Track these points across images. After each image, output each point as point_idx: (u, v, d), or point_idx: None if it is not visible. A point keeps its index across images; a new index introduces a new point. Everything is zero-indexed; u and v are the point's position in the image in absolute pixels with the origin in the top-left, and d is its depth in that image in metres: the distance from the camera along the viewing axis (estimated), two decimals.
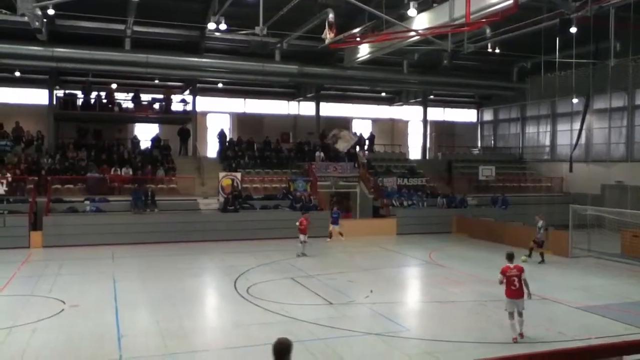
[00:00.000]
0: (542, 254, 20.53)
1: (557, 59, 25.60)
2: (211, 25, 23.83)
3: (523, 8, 19.75)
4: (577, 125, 32.98)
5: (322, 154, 32.52)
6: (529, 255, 20.78)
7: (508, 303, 11.30)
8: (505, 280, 11.32)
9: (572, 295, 15.16)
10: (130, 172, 27.92)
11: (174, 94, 33.38)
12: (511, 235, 24.71)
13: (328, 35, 19.56)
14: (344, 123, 38.60)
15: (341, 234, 25.23)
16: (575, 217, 22.15)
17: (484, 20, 20.28)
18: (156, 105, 32.35)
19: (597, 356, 5.86)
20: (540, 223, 20.84)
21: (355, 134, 34.93)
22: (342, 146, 31.67)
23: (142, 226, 24.46)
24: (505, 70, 36.20)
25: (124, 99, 32.07)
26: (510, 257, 11.63)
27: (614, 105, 32.35)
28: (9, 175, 25.27)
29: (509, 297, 11.28)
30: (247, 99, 36.92)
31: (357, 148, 34.83)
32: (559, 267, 19.79)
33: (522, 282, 11.33)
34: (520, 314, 11.26)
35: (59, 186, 26.23)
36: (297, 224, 21.49)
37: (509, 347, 11.00)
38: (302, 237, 21.25)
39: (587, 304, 14.22)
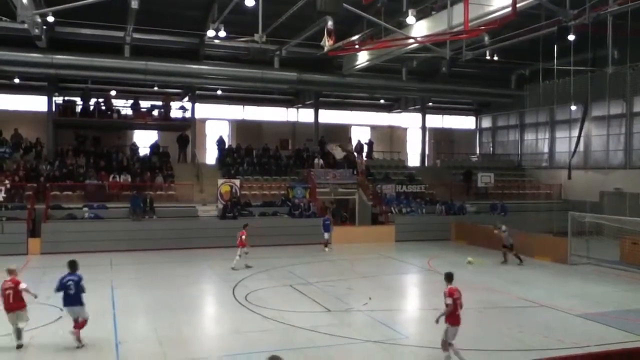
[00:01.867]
0: (517, 256, 21.31)
1: (555, 66, 25.70)
2: (210, 33, 23.92)
3: (521, 15, 19.82)
4: (575, 133, 33.04)
5: (321, 161, 32.54)
6: (505, 262, 21.26)
7: (454, 331, 10.06)
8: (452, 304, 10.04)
9: (571, 303, 15.14)
10: (129, 179, 27.90)
11: (173, 101, 33.40)
12: None
13: (327, 43, 19.57)
14: (343, 130, 38.74)
15: (329, 244, 24.90)
16: (574, 224, 22.17)
17: (482, 27, 20.37)
18: (155, 112, 32.36)
19: None
20: (503, 227, 21.82)
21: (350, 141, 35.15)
22: (339, 154, 31.76)
23: (140, 233, 24.43)
24: (504, 78, 36.30)
25: (123, 106, 32.12)
26: (450, 278, 10.50)
27: (612, 113, 32.40)
28: (7, 181, 25.22)
29: (456, 325, 10.04)
30: (246, 106, 36.97)
31: (356, 155, 34.90)
32: (558, 274, 19.78)
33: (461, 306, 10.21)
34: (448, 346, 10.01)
35: (57, 193, 26.20)
36: (244, 237, 20.13)
37: (508, 354, 10.99)
38: (239, 250, 20.01)
39: (585, 311, 14.21)
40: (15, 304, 10.94)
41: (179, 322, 13.02)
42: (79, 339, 11.03)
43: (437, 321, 10.06)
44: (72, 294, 11.01)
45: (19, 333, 10.95)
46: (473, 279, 18.69)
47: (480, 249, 25.34)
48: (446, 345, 10.07)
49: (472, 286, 17.58)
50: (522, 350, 11.08)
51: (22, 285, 11.05)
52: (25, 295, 11.14)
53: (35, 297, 11.42)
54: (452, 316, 10.02)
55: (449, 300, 10.00)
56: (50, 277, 18.01)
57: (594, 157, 33.54)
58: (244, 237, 20.11)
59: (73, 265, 11.46)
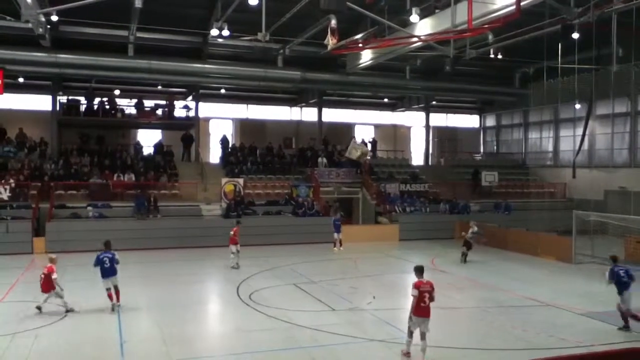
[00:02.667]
0: (465, 255, 21.65)
1: (559, 65, 25.64)
2: (214, 32, 23.91)
3: (525, 14, 19.73)
4: (579, 131, 32.87)
5: (324, 160, 32.53)
6: (464, 261, 21.50)
7: (415, 321, 10.44)
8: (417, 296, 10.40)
9: (575, 302, 15.11)
10: (133, 178, 27.96)
11: (177, 100, 33.48)
12: (514, 241, 24.67)
13: (330, 41, 19.53)
14: (347, 129, 38.71)
15: (340, 244, 24.55)
16: (578, 223, 22.10)
17: (486, 26, 20.30)
18: (159, 111, 32.46)
19: None
20: (475, 228, 22.10)
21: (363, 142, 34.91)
22: (355, 155, 31.32)
23: (144, 232, 24.47)
24: (508, 76, 36.20)
25: (127, 105, 32.20)
26: (420, 271, 10.82)
27: (616, 111, 32.31)
28: (12, 181, 25.32)
29: (418, 315, 10.40)
30: (249, 105, 36.99)
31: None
32: (563, 273, 19.74)
33: (432, 299, 10.50)
34: (423, 336, 10.40)
35: (62, 192, 26.26)
36: (232, 233, 20.21)
37: (512, 353, 10.97)
38: (232, 247, 20.04)
39: (590, 310, 14.17)
40: (45, 287, 13.38)
41: (184, 321, 13.04)
42: (118, 303, 13.72)
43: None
44: (107, 268, 13.53)
45: (44, 302, 13.41)
46: (477, 277, 18.69)
47: (485, 248, 25.27)
48: (409, 333, 10.61)
49: (477, 285, 17.60)
50: (526, 349, 11.05)
51: (54, 275, 13.38)
52: (54, 282, 13.37)
53: (59, 291, 13.53)
54: (417, 307, 10.42)
55: (415, 292, 10.47)
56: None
57: (598, 156, 33.44)
58: (235, 234, 20.17)
59: (108, 245, 14.00)
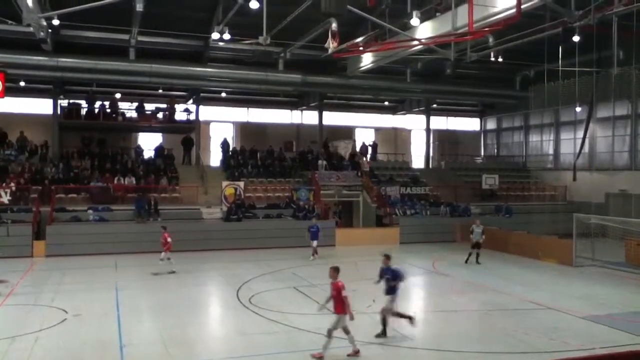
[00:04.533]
0: (473, 255, 21.82)
1: (560, 67, 25.63)
2: (215, 35, 23.98)
3: (526, 16, 19.76)
4: (580, 134, 32.87)
5: (325, 163, 32.53)
6: (471, 260, 21.47)
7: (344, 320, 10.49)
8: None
9: (576, 305, 15.07)
10: (134, 181, 27.98)
11: (178, 104, 33.52)
12: (515, 243, 24.63)
13: (331, 45, 19.59)
14: (347, 132, 38.72)
15: (315, 252, 22.92)
16: (579, 226, 22.07)
17: (486, 29, 20.33)
18: (160, 115, 32.53)
19: None
20: (481, 228, 22.14)
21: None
22: (343, 151, 31.60)
23: (145, 235, 24.40)
24: (508, 79, 36.23)
25: (128, 109, 32.26)
26: (337, 270, 10.75)
27: (617, 114, 32.30)
28: (12, 184, 25.34)
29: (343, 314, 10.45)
30: (250, 108, 37.03)
31: (364, 158, 34.88)
32: (563, 276, 19.70)
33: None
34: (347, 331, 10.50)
35: (62, 195, 26.29)
36: (169, 240, 19.47)
37: (513, 357, 10.94)
38: (163, 254, 19.41)
39: (591, 313, 14.14)
40: None
41: (184, 324, 13.02)
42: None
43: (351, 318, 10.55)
44: None
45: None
46: (478, 280, 18.66)
47: (486, 251, 25.22)
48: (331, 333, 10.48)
49: (478, 288, 17.57)
50: (527, 352, 11.02)
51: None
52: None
53: None
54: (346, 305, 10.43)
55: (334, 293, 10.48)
56: (54, 279, 18.14)
57: (599, 159, 33.41)
58: (169, 239, 19.36)
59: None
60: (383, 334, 11.81)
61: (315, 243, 22.98)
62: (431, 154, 40.39)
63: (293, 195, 29.17)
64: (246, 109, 37.00)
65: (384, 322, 11.88)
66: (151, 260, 22.16)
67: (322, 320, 13.39)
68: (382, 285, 12.11)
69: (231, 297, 16.00)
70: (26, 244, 22.91)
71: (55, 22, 23.04)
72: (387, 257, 12.28)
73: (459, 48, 26.09)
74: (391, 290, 11.95)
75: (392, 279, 11.96)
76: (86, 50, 27.30)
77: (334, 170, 31.81)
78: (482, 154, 43.35)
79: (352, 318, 10.52)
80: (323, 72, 31.08)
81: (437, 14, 22.35)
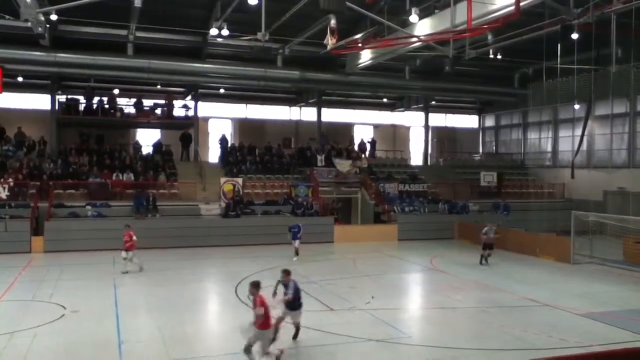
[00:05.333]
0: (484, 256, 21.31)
1: (558, 65, 25.60)
2: (213, 31, 23.89)
3: (525, 14, 19.72)
4: (578, 132, 32.92)
5: (323, 159, 32.50)
6: (486, 262, 21.26)
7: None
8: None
9: (575, 302, 15.11)
10: (132, 178, 27.93)
11: (176, 100, 33.45)
12: (513, 241, 24.66)
13: (330, 41, 19.52)
14: (346, 128, 38.69)
15: (297, 252, 21.93)
16: (577, 224, 22.10)
17: (485, 26, 20.31)
18: (158, 111, 32.45)
19: None
20: (493, 230, 21.61)
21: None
22: (345, 169, 31.54)
23: (143, 231, 24.20)
24: (507, 76, 36.20)
25: (126, 104, 32.16)
26: (257, 286, 9.94)
27: (615, 112, 32.33)
28: (10, 180, 25.29)
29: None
30: (248, 105, 36.97)
31: (362, 155, 34.87)
32: (562, 273, 19.74)
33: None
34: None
35: (60, 191, 26.23)
36: (135, 238, 18.66)
37: (511, 354, 10.97)
38: (124, 253, 18.55)
39: (589, 310, 14.18)
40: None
41: (182, 321, 13.02)
42: None
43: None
44: None
45: None
46: (476, 277, 18.69)
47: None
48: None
49: (476, 285, 17.60)
50: (525, 349, 11.04)
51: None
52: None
53: None
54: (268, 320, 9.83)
55: (260, 311, 9.62)
56: (52, 275, 18.13)
57: (597, 156, 33.45)
58: (134, 237, 18.61)
59: None
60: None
61: (297, 243, 22.14)
62: (430, 151, 40.39)
63: (291, 191, 29.17)
64: (245, 105, 36.93)
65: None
66: (149, 256, 22.18)
67: (320, 317, 13.44)
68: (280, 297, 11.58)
69: (230, 293, 16.01)
70: (24, 240, 22.87)
71: (53, 17, 22.86)
72: (287, 273, 11.72)
73: (457, 45, 26.08)
74: (295, 306, 11.48)
75: (293, 295, 11.39)
76: (84, 46, 27.19)
77: (332, 167, 31.79)
78: (481, 151, 43.36)
79: (275, 335, 10.12)
80: (322, 68, 31.04)
81: (436, 11, 22.33)
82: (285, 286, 11.56)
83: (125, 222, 20.87)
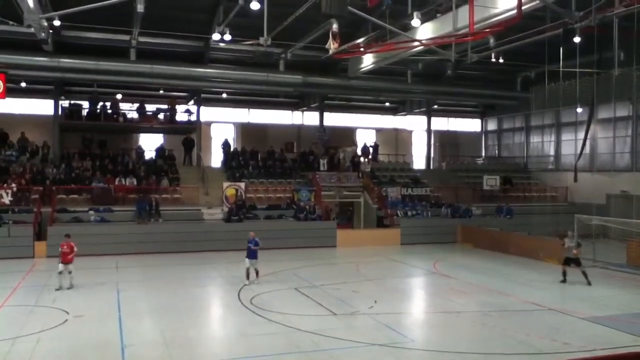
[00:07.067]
0: (584, 273, 18.25)
1: (560, 68, 25.59)
2: (216, 36, 23.98)
3: (527, 18, 19.75)
4: (581, 135, 32.88)
5: (326, 164, 32.51)
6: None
7: None
8: None
9: (578, 306, 15.06)
10: (135, 182, 27.97)
11: (179, 104, 33.51)
12: (516, 245, 24.63)
13: (332, 46, 19.58)
14: (348, 133, 38.70)
15: (256, 274, 17.93)
16: (580, 227, 22.07)
17: (487, 30, 20.32)
18: (161, 116, 32.53)
19: None
20: (574, 241, 18.76)
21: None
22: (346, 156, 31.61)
23: (146, 236, 24.45)
24: (509, 80, 36.19)
25: (129, 109, 32.28)
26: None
27: (618, 115, 32.28)
28: (14, 185, 25.32)
29: None
30: (251, 109, 37.02)
31: (362, 159, 34.87)
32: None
33: None
34: None
35: (63, 196, 26.28)
36: (67, 249, 16.70)
37: (514, 358, 10.93)
38: (61, 266, 16.56)
39: (593, 314, 14.13)
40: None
41: (185, 325, 13.01)
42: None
43: None
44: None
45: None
46: (479, 281, 18.64)
47: (487, 252, 25.27)
48: None
49: (479, 289, 17.55)
50: (528, 353, 11.02)
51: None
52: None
53: None
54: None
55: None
56: (56, 280, 18.10)
57: (600, 160, 33.40)
58: (75, 249, 16.92)
59: None
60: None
61: (254, 262, 17.88)
62: (432, 155, 40.37)
63: (294, 196, 29.18)
64: (247, 109, 36.97)
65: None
66: (152, 261, 22.26)
67: (323, 321, 13.43)
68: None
69: (232, 298, 15.99)
70: (27, 245, 22.90)
71: (56, 22, 23.03)
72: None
73: (459, 49, 26.05)
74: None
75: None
76: (87, 51, 27.28)
77: (334, 172, 31.79)
78: (483, 155, 43.32)
79: None
80: (324, 73, 31.08)
81: (438, 15, 22.35)
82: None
83: (66, 232, 18.23)
